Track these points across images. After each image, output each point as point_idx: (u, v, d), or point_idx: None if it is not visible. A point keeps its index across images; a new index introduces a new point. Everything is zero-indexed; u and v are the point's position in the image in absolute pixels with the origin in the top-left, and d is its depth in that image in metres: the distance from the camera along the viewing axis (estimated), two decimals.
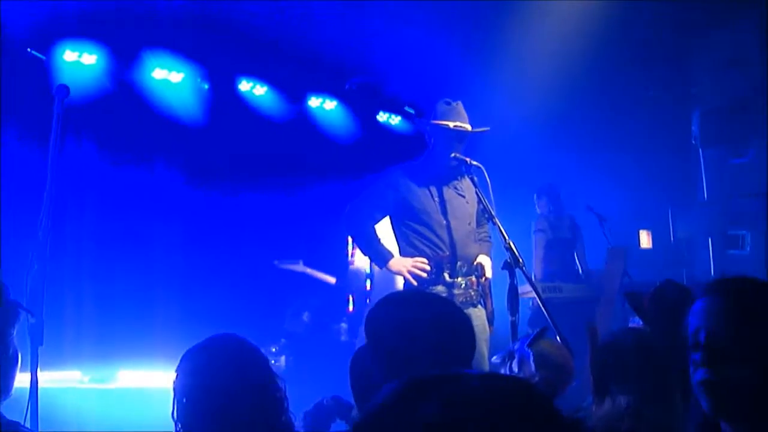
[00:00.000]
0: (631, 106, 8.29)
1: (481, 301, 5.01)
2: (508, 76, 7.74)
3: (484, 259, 5.10)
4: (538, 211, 8.07)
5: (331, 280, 7.63)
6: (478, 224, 5.23)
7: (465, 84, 7.37)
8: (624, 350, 2.75)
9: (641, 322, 3.32)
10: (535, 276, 7.53)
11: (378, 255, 5.14)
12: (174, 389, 2.45)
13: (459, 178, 5.20)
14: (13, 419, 2.45)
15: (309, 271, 7.65)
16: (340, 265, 7.56)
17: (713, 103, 7.83)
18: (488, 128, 5.16)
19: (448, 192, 5.11)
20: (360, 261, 7.24)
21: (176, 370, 2.48)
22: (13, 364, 2.31)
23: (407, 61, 7.97)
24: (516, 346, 3.27)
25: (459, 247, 4.99)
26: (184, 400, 2.40)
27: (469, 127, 5.05)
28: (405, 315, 2.26)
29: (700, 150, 8.08)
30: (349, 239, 7.19)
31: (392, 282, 6.49)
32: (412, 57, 7.94)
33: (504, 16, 7.27)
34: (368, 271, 7.24)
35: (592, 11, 7.12)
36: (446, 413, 1.08)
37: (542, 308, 4.12)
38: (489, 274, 5.06)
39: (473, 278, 5.00)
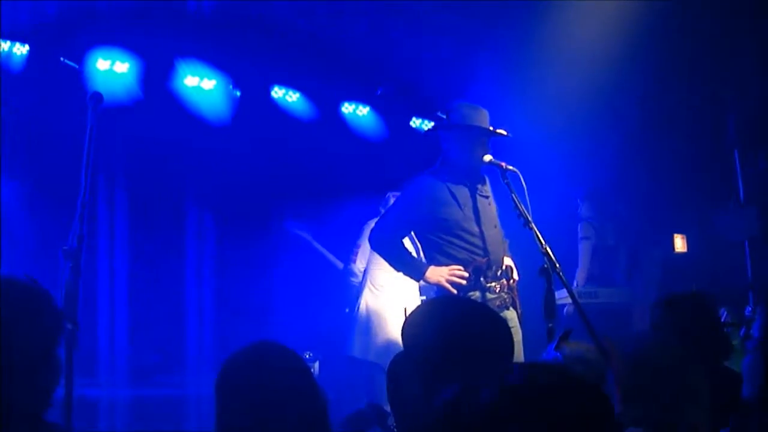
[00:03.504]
0: (665, 108, 8.20)
1: (513, 304, 4.98)
2: (542, 79, 7.67)
3: (509, 261, 5.06)
4: (582, 215, 7.81)
5: (339, 263, 7.57)
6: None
7: (497, 88, 7.32)
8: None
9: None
10: (577, 284, 7.39)
11: (412, 268, 5.09)
12: (216, 400, 2.40)
13: (482, 180, 5.17)
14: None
15: (316, 245, 7.63)
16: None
17: (748, 104, 7.74)
18: (510, 134, 5.11)
19: (475, 196, 5.07)
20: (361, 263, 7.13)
21: (217, 380, 2.42)
22: (57, 375, 2.30)
23: (440, 68, 7.94)
24: (545, 355, 3.23)
25: (491, 252, 4.94)
26: (227, 412, 2.35)
27: (504, 132, 5.01)
28: (443, 321, 2.23)
29: (736, 153, 7.99)
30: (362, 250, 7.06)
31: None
32: (443, 63, 7.92)
33: (539, 20, 7.22)
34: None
35: (628, 15, 7.06)
36: (503, 395, 1.22)
37: (579, 313, 4.06)
38: (516, 276, 5.03)
39: (504, 281, 4.96)
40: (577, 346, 3.19)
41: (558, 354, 3.03)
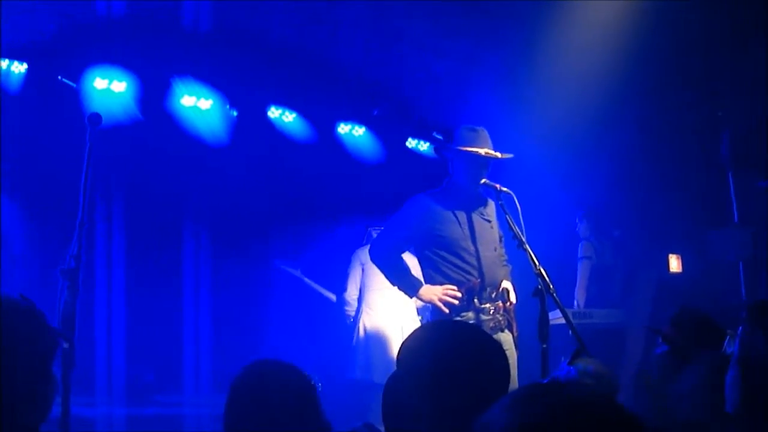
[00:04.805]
0: (659, 128, 8.23)
1: (508, 326, 5.00)
2: (538, 100, 7.71)
3: (507, 284, 5.09)
4: (581, 235, 7.79)
5: (332, 296, 7.61)
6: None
7: (492, 110, 7.36)
8: None
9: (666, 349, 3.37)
10: (578, 304, 7.39)
11: (408, 285, 5.12)
12: (225, 424, 2.41)
13: (484, 203, 5.20)
14: None
15: (308, 281, 7.68)
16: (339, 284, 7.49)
17: (742, 125, 7.77)
18: (512, 155, 5.14)
19: (475, 218, 5.09)
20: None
21: (227, 403, 2.43)
22: (53, 392, 2.36)
23: (436, 88, 7.98)
24: (558, 372, 3.27)
25: (487, 273, 4.96)
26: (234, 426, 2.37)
27: (498, 154, 5.04)
28: (440, 344, 2.26)
29: (730, 174, 8.02)
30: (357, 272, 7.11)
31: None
32: (440, 83, 7.96)
33: (534, 41, 7.27)
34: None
35: (622, 35, 7.10)
36: (548, 415, 1.21)
37: (573, 334, 4.09)
38: (513, 298, 5.05)
39: (500, 303, 4.98)
40: (590, 362, 3.25)
41: (572, 369, 3.07)
